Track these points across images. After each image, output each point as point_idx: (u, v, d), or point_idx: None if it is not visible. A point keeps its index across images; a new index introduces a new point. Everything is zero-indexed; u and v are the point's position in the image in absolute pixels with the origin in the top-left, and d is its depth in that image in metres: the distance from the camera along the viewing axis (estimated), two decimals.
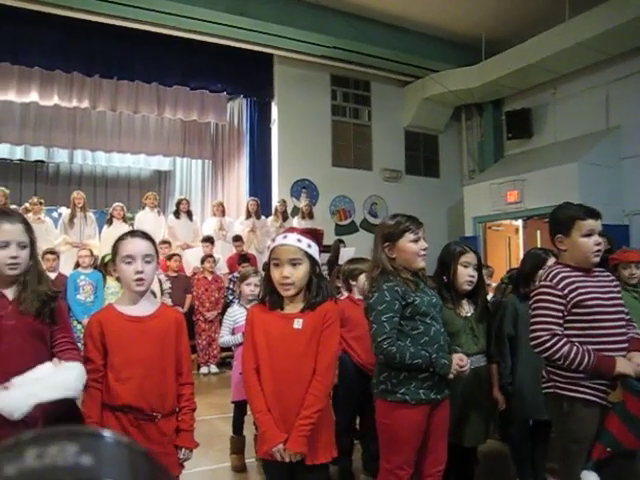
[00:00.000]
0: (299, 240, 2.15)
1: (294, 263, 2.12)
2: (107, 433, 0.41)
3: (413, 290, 2.36)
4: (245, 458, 3.71)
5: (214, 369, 6.87)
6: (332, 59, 9.72)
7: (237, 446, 3.75)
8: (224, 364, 7.03)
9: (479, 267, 2.91)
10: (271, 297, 2.19)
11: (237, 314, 3.79)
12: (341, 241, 8.37)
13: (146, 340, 2.07)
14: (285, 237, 2.16)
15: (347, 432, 3.41)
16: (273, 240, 2.25)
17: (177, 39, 8.70)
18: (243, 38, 8.88)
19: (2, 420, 1.66)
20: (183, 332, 2.22)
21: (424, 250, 2.41)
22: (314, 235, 2.27)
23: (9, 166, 10.98)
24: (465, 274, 2.81)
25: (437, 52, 10.16)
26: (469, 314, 2.84)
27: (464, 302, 2.87)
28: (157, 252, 2.19)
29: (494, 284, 5.72)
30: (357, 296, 3.47)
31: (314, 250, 2.19)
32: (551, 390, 2.38)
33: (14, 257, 1.89)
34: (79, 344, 2.27)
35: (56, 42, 8.39)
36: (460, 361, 2.33)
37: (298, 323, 2.13)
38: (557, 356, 2.26)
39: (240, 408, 3.78)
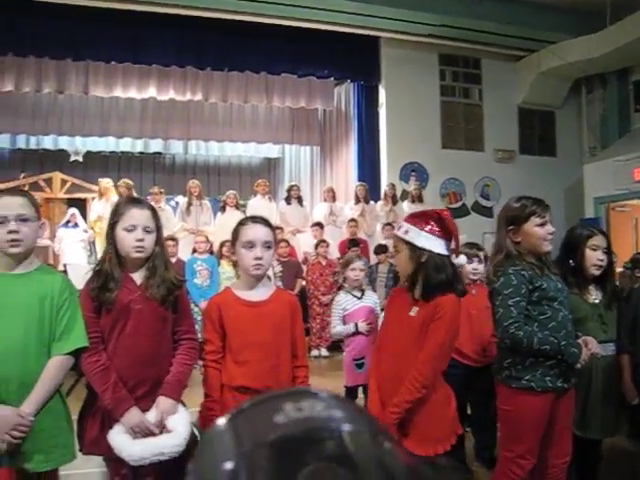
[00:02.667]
0: (400, 227, 2.17)
1: (396, 250, 2.17)
2: (341, 397, 0.46)
3: (539, 275, 2.25)
4: None
5: (325, 352, 6.96)
6: (440, 38, 9.39)
7: None
8: (334, 347, 7.10)
9: (608, 250, 2.72)
10: (395, 281, 2.28)
11: (344, 301, 3.75)
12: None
13: (262, 324, 2.11)
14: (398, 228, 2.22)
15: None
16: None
17: (283, 28, 8.79)
18: (349, 22, 8.82)
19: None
20: (298, 315, 2.25)
21: (551, 234, 2.31)
22: (424, 218, 2.19)
23: (130, 159, 11.78)
24: (594, 258, 2.65)
25: (554, 22, 9.48)
26: (597, 300, 2.68)
27: (591, 288, 2.71)
28: (276, 238, 2.22)
29: (618, 269, 5.32)
30: None
31: (412, 236, 2.12)
32: None
33: (140, 240, 1.98)
34: (197, 327, 2.38)
35: (171, 40, 8.84)
36: (589, 346, 2.20)
37: (414, 311, 2.13)
38: None
39: (351, 393, 3.79)
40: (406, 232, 2.13)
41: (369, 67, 9.76)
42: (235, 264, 6.63)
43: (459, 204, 10.07)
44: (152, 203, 7.58)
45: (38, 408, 1.84)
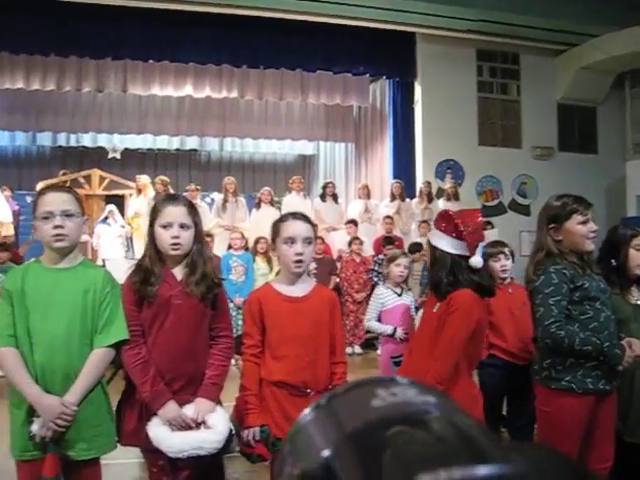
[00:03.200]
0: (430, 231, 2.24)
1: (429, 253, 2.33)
2: (427, 386, 0.47)
3: (581, 274, 2.21)
4: None
5: (358, 350, 6.95)
6: (478, 33, 9.26)
7: None
8: (368, 345, 7.09)
9: None
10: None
11: (385, 296, 3.74)
12: (489, 223, 8.04)
13: (301, 319, 2.13)
14: None
15: (493, 420, 3.28)
16: None
17: (318, 25, 8.81)
18: (385, 18, 8.76)
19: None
20: (337, 312, 2.26)
21: (594, 232, 2.26)
22: (444, 220, 2.26)
23: (167, 156, 11.96)
24: (638, 258, 2.58)
25: (597, 14, 9.21)
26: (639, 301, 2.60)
27: (633, 288, 2.64)
28: (316, 235, 2.23)
29: None
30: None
31: (431, 234, 2.28)
32: None
33: (175, 237, 2.00)
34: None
35: (207, 38, 8.93)
36: (632, 347, 2.16)
37: (436, 307, 2.22)
38: None
39: None
40: (432, 235, 2.20)
41: (405, 63, 9.69)
42: (270, 260, 6.66)
43: (496, 202, 9.92)
44: None
45: (81, 398, 1.89)
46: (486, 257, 3.25)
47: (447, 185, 9.09)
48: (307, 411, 0.45)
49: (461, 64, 9.74)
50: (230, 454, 2.15)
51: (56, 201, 1.94)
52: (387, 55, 9.53)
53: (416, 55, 9.70)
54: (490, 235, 6.72)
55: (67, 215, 1.93)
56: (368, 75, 9.98)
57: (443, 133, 9.55)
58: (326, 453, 0.37)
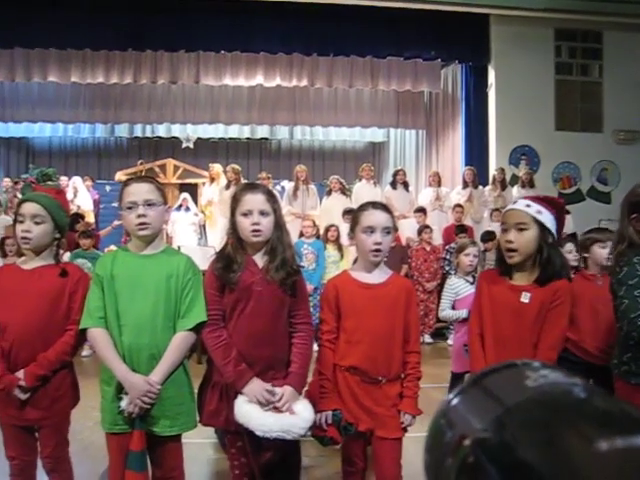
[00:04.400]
0: (528, 205, 2.06)
1: (520, 228, 2.04)
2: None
3: None
4: None
5: (428, 339, 6.87)
6: (556, 11, 8.87)
7: None
8: (437, 334, 7.00)
9: None
10: (501, 264, 2.14)
11: (457, 285, 3.71)
12: (567, 211, 7.71)
13: (377, 307, 2.14)
14: (515, 202, 2.11)
15: None
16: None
17: (389, 10, 8.70)
18: (457, 1, 8.55)
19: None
20: (413, 301, 2.26)
21: None
22: (552, 204, 2.13)
23: (238, 145, 12.17)
24: None
25: None
26: None
27: None
28: (395, 225, 2.21)
29: None
30: (591, 270, 3.11)
31: (546, 218, 2.07)
32: None
33: (256, 224, 2.03)
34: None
35: (277, 28, 9.02)
36: None
37: (525, 297, 2.06)
38: None
39: (458, 379, 3.69)
40: (539, 212, 2.05)
41: (478, 47, 9.43)
42: (340, 248, 6.66)
43: (573, 189, 9.54)
44: None
45: (165, 378, 1.97)
46: (591, 242, 3.10)
47: (522, 172, 8.82)
48: (454, 392, 0.48)
49: (537, 45, 9.35)
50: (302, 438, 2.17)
51: (139, 191, 2.03)
52: (459, 39, 9.31)
53: (490, 38, 9.42)
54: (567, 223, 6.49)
55: (149, 204, 2.02)
56: (440, 60, 9.78)
57: (518, 118, 9.24)
58: (492, 423, 0.41)
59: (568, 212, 7.59)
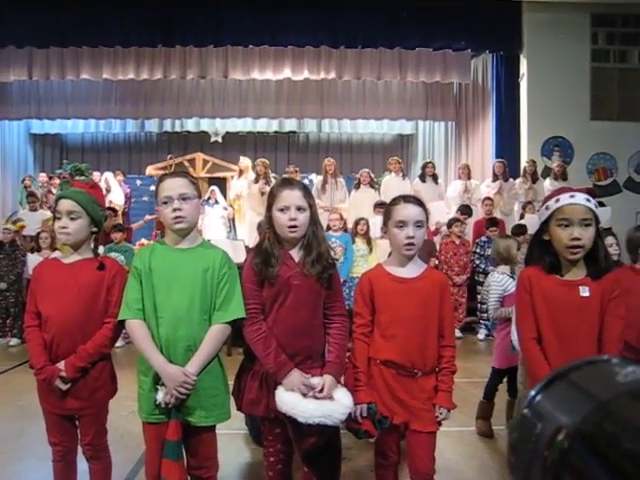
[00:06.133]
0: (588, 200, 1.99)
1: (586, 224, 1.97)
2: None
3: None
4: (492, 425, 3.63)
5: (458, 333, 6.80)
6: None
7: (485, 412, 3.68)
8: (467, 329, 6.95)
9: None
10: (550, 260, 2.05)
11: (506, 282, 3.67)
12: (601, 203, 7.55)
13: (411, 301, 2.14)
14: (572, 196, 2.00)
15: None
16: (552, 200, 2.06)
17: (417, 0, 8.58)
18: None
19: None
20: (447, 295, 2.24)
21: None
22: (593, 196, 2.08)
23: (266, 138, 12.21)
24: None
25: None
26: None
27: None
28: (427, 219, 2.21)
29: None
30: None
31: (599, 211, 2.03)
32: None
33: (293, 219, 2.06)
34: None
35: (305, 21, 9.06)
36: None
37: (585, 291, 2.00)
38: None
39: (499, 375, 3.65)
40: (596, 206, 2.01)
41: (509, 35, 9.28)
42: (369, 241, 6.65)
43: (609, 181, 9.34)
44: None
45: (200, 369, 2.00)
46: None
47: (554, 164, 8.66)
48: (537, 387, 0.49)
49: (573, 32, 9.14)
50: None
51: (173, 186, 2.07)
52: (490, 28, 9.17)
53: (522, 25, 9.25)
54: (601, 215, 6.34)
55: (184, 198, 2.06)
56: (470, 50, 9.65)
57: (551, 108, 9.07)
58: (589, 416, 0.42)
59: (602, 204, 7.48)
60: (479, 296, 6.36)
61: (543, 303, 2.02)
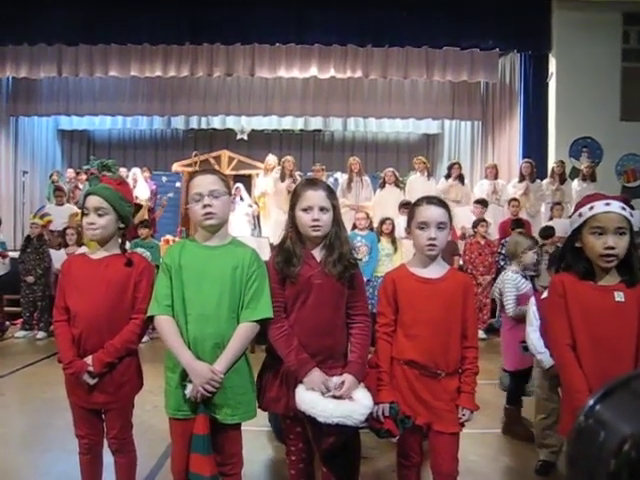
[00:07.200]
0: (623, 208, 1.95)
1: (621, 232, 1.94)
2: None
3: None
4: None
5: (481, 334, 6.74)
6: None
7: (515, 416, 3.64)
8: (491, 330, 6.87)
9: None
10: (584, 266, 2.01)
11: (519, 281, 3.67)
12: (631, 206, 7.40)
13: (435, 301, 2.13)
14: (608, 204, 1.95)
15: None
16: (586, 207, 2.01)
17: None
18: None
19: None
20: (471, 296, 2.23)
21: None
22: (627, 204, 2.03)
23: (291, 136, 12.25)
24: None
25: None
26: None
27: None
28: (451, 220, 2.20)
29: None
30: None
31: (634, 219, 1.99)
32: None
33: (316, 220, 2.08)
34: None
35: (332, 19, 9.04)
36: None
37: (619, 296, 1.96)
38: None
39: (517, 379, 3.61)
40: (631, 215, 1.96)
41: (538, 35, 9.16)
42: (394, 241, 6.61)
43: (638, 182, 9.17)
44: None
45: (228, 367, 2.01)
46: None
47: (583, 165, 8.54)
48: (596, 395, 0.49)
49: (603, 31, 8.98)
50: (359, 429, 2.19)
51: (203, 183, 2.09)
52: (519, 27, 9.06)
53: (551, 24, 9.12)
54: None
55: (214, 195, 2.07)
56: (498, 49, 9.55)
57: (580, 108, 8.93)
58: None
59: (632, 207, 7.34)
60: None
61: (577, 308, 1.98)
